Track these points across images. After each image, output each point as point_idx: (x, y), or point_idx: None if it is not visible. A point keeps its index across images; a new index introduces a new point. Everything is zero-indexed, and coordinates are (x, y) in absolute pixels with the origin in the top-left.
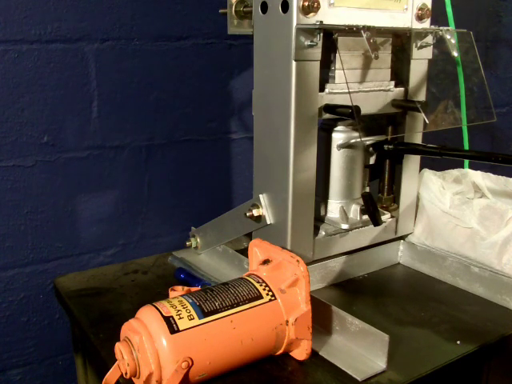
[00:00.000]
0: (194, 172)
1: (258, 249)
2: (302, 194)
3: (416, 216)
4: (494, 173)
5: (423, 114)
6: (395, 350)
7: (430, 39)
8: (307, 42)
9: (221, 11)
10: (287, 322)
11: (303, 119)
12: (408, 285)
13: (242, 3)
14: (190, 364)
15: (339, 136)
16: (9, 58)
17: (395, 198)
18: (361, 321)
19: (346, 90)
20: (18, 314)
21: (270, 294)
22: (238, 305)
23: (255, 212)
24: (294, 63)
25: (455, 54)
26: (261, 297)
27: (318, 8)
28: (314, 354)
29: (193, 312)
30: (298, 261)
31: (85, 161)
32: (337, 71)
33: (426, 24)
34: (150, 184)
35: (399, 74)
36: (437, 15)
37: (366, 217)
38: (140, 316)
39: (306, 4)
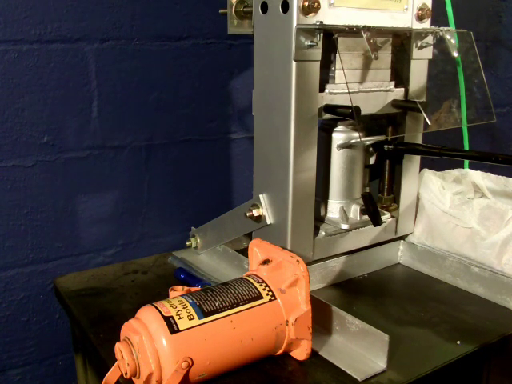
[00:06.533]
0: (194, 172)
1: (258, 249)
2: (302, 194)
3: (416, 216)
4: (494, 173)
5: (424, 115)
6: (395, 350)
7: (430, 39)
8: (307, 42)
9: (221, 11)
10: (287, 321)
11: (303, 119)
12: (408, 285)
13: (241, 3)
14: (190, 364)
15: (339, 136)
16: (9, 58)
17: (395, 198)
18: (361, 321)
19: (346, 91)
20: (18, 314)
21: (270, 294)
22: (237, 305)
23: (255, 212)
24: (294, 63)
25: (455, 54)
26: (261, 297)
27: (318, 8)
28: (314, 353)
29: (193, 312)
30: (298, 261)
31: (85, 161)
32: (337, 71)
33: (426, 24)
34: (150, 184)
35: (399, 75)
36: (437, 15)
37: (366, 217)
38: (140, 316)
39: (306, 4)
